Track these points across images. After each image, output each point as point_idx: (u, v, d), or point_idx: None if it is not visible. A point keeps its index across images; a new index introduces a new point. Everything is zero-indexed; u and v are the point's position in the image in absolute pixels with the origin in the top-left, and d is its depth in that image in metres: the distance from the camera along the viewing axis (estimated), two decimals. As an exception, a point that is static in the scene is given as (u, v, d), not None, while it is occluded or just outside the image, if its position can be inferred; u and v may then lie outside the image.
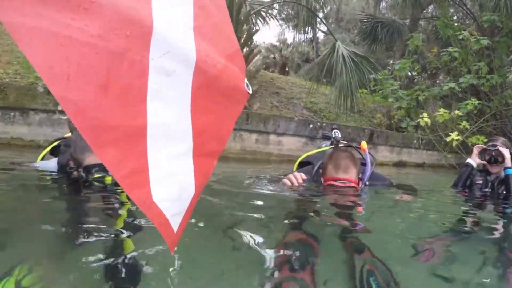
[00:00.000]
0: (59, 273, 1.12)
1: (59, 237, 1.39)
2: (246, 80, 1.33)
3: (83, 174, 1.86)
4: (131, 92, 0.93)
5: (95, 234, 1.39)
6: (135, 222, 1.54)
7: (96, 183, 1.89)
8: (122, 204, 1.80)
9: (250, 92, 1.35)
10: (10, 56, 5.57)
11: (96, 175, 1.85)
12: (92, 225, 1.53)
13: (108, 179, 1.89)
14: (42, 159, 2.39)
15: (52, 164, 2.21)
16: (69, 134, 2.43)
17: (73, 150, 1.91)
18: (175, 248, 0.99)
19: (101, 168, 1.85)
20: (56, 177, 2.14)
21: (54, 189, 2.08)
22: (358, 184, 2.39)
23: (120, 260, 1.17)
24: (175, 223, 1.02)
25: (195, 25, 1.14)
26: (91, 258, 1.17)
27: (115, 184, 1.89)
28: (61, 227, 1.49)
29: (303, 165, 3.01)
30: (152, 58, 0.96)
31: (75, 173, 1.91)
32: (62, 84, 0.79)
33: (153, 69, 0.97)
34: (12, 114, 4.45)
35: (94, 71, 0.85)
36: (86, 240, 1.33)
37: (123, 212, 1.72)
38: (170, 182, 1.03)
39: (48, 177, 2.17)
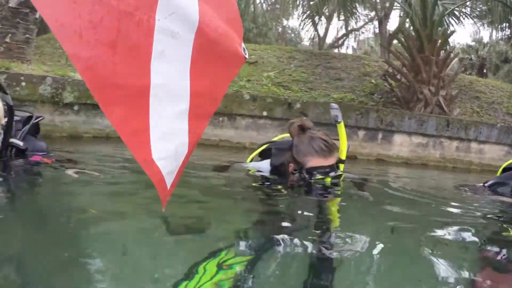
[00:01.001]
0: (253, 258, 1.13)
1: (253, 228, 1.45)
2: (243, 45, 1.34)
3: (306, 176, 1.93)
4: (137, 52, 0.95)
5: (290, 228, 1.44)
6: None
7: (317, 184, 1.95)
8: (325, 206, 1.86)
9: (247, 56, 1.35)
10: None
11: (319, 177, 1.90)
12: (293, 219, 1.59)
13: (328, 180, 1.93)
14: (251, 160, 2.57)
15: (264, 165, 2.33)
16: (276, 139, 2.63)
17: (295, 153, 1.97)
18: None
19: (322, 170, 1.91)
20: (268, 177, 2.25)
21: (264, 188, 2.18)
22: None
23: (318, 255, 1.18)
24: (168, 181, 1.05)
25: None
26: (287, 253, 1.18)
27: (334, 184, 1.96)
28: (263, 220, 1.57)
29: (505, 171, 2.78)
30: (158, 19, 0.98)
31: (297, 175, 1.98)
32: (74, 41, 0.81)
33: (158, 30, 0.98)
34: (221, 119, 5.11)
35: (105, 29, 0.86)
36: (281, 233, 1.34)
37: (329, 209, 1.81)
38: (167, 141, 1.06)
39: (259, 177, 2.30)
